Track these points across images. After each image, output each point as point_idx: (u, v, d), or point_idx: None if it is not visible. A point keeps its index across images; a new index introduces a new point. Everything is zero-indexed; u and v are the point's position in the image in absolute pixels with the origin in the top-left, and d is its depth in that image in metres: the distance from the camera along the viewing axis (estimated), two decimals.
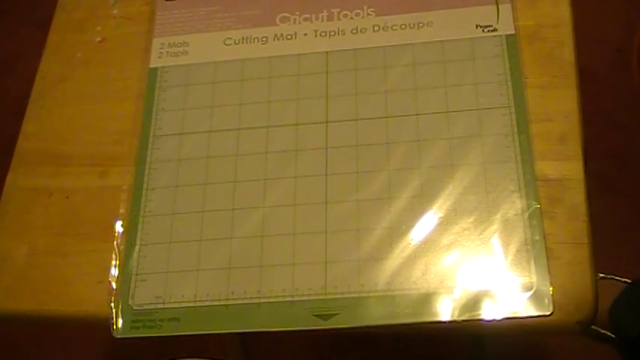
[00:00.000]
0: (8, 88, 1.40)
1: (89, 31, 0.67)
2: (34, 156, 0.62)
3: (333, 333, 0.51)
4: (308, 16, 0.63)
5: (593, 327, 0.50)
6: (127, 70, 0.64)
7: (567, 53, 0.57)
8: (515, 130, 0.55)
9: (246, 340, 1.04)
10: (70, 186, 0.59)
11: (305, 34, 0.62)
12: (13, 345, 1.17)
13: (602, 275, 1.02)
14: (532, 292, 0.49)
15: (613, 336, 0.99)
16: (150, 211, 0.57)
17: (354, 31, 0.61)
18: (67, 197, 0.59)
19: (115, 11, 0.67)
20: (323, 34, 0.62)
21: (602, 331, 0.99)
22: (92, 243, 0.57)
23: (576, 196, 0.52)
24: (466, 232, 0.52)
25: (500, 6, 0.59)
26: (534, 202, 0.52)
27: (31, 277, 0.56)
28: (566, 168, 0.53)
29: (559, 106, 0.55)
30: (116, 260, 0.55)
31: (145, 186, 0.58)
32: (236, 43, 0.63)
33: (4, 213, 0.60)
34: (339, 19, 0.62)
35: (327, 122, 0.58)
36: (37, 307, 0.56)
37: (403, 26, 0.60)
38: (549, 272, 0.49)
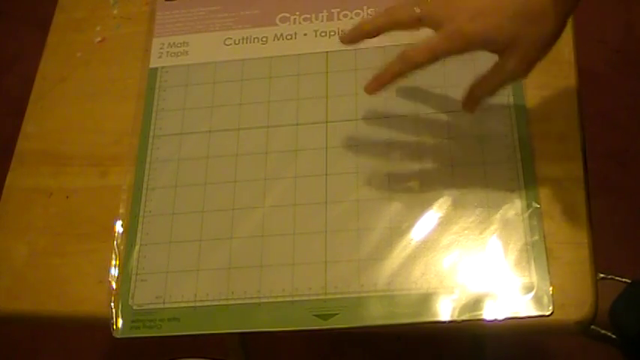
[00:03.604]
0: (8, 88, 1.39)
1: (89, 31, 0.67)
2: (34, 156, 0.62)
3: (333, 333, 0.51)
4: (308, 16, 0.63)
5: (593, 327, 0.50)
6: (127, 70, 0.64)
7: (567, 53, 0.57)
8: (515, 130, 0.55)
9: (246, 340, 1.04)
10: (70, 186, 0.59)
11: (305, 34, 0.62)
12: (13, 345, 1.17)
13: (602, 275, 1.02)
14: (532, 292, 0.49)
15: (613, 336, 0.99)
16: (150, 211, 0.57)
17: None
18: (67, 197, 0.59)
19: (115, 11, 0.67)
20: (323, 34, 0.62)
21: (602, 331, 0.98)
22: (92, 243, 0.57)
23: (576, 196, 0.52)
24: (466, 232, 0.52)
25: None
26: (534, 202, 0.52)
27: (31, 277, 0.56)
28: (566, 168, 0.53)
29: (559, 106, 0.55)
30: (116, 260, 0.55)
31: (145, 186, 0.58)
32: (236, 43, 0.63)
33: (4, 213, 0.60)
34: (339, 19, 0.62)
35: (327, 122, 0.58)
36: (36, 307, 0.56)
37: None
38: (549, 272, 0.49)
